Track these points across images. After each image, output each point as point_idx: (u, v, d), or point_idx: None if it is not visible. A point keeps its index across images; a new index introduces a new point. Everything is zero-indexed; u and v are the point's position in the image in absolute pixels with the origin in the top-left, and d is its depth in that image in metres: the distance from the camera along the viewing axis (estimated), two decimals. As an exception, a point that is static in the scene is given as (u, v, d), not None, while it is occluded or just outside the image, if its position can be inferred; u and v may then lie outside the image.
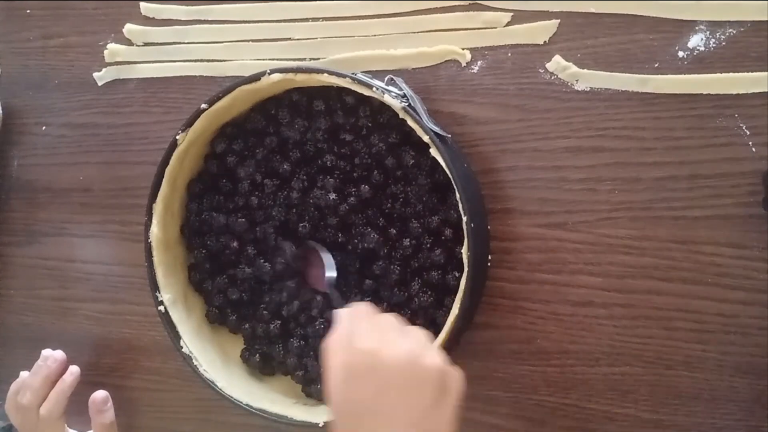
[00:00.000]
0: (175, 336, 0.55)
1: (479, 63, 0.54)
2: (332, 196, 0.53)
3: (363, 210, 0.54)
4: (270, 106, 0.57)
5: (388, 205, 0.54)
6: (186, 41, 0.62)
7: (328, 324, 0.56)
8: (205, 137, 0.56)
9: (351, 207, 0.54)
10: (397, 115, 0.50)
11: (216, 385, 0.54)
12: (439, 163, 0.48)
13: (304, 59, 0.59)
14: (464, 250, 0.48)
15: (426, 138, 0.48)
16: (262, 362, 0.58)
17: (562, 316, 0.53)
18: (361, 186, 0.53)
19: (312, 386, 0.56)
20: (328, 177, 0.54)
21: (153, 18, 0.63)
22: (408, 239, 0.53)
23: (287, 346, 0.57)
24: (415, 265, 0.53)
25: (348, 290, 0.55)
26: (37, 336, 0.68)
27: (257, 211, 0.57)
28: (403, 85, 0.51)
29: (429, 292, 0.53)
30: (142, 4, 0.63)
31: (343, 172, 0.54)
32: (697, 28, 0.49)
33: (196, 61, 0.62)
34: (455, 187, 0.48)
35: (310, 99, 0.56)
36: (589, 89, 0.52)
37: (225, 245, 0.58)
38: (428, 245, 0.53)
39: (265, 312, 0.58)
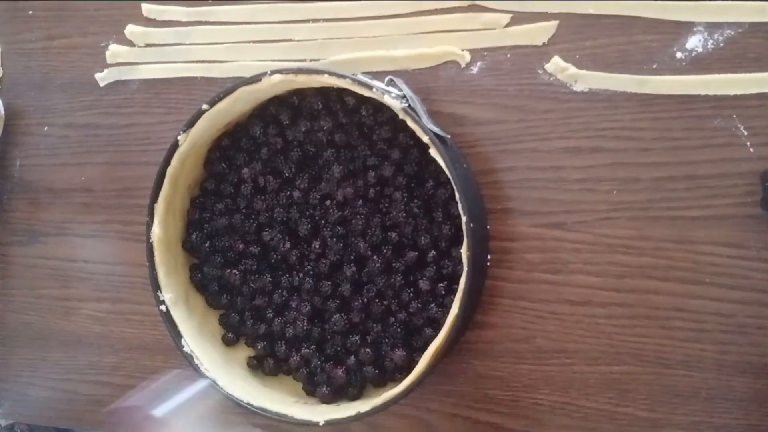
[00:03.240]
0: (177, 335, 0.56)
1: (479, 64, 0.54)
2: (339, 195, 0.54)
3: (363, 208, 0.54)
4: (271, 107, 0.57)
5: (386, 204, 0.54)
6: (187, 42, 0.62)
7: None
8: (206, 138, 0.57)
9: (353, 201, 0.54)
10: (397, 115, 0.50)
11: (217, 384, 0.54)
12: (438, 164, 0.49)
13: (305, 60, 0.59)
14: (464, 250, 0.48)
15: (426, 138, 0.49)
16: (275, 368, 0.58)
17: (561, 316, 0.53)
18: (364, 179, 0.54)
19: (313, 385, 0.57)
20: (333, 168, 0.54)
21: (154, 19, 0.63)
22: (396, 231, 0.53)
23: (289, 345, 0.57)
24: (414, 269, 0.54)
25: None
26: (38, 335, 0.69)
27: (260, 212, 0.57)
28: (403, 86, 0.51)
29: (427, 295, 0.53)
30: (143, 5, 0.63)
31: (345, 171, 0.55)
32: (695, 29, 0.49)
33: (197, 62, 0.62)
34: (455, 187, 0.48)
35: (310, 100, 0.56)
36: (587, 90, 0.52)
37: (229, 246, 0.58)
38: (426, 245, 0.53)
39: (269, 314, 0.58)
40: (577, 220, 0.52)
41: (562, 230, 0.53)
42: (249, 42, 0.60)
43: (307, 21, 0.59)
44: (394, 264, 0.54)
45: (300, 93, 0.56)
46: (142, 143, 0.64)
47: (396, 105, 0.49)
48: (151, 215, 0.56)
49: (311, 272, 0.56)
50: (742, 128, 0.49)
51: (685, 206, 0.50)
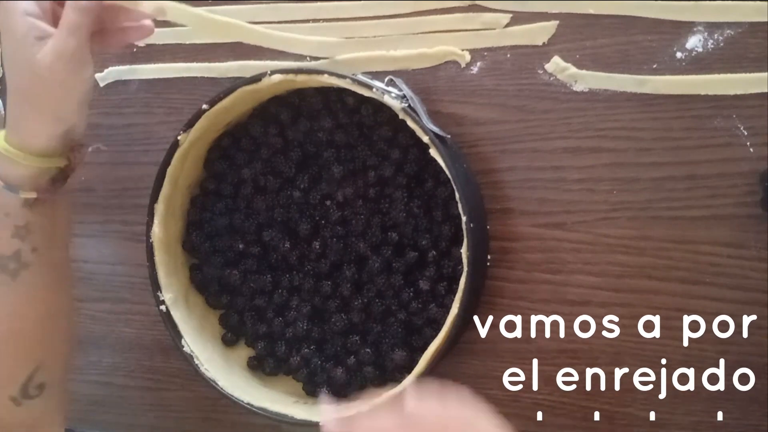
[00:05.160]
0: (177, 335, 0.56)
1: (479, 64, 0.54)
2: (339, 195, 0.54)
3: (363, 208, 0.54)
4: (271, 107, 0.57)
5: (386, 204, 0.54)
6: (187, 42, 0.62)
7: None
8: (206, 138, 0.57)
9: (352, 202, 0.54)
10: (397, 115, 0.50)
11: (217, 384, 0.54)
12: (438, 164, 0.49)
13: (305, 60, 0.59)
14: (464, 250, 0.48)
15: (426, 138, 0.49)
16: (275, 368, 0.58)
17: (561, 316, 0.53)
18: (364, 180, 0.54)
19: (313, 385, 0.57)
20: (333, 168, 0.55)
21: (154, 19, 0.63)
22: (396, 232, 0.53)
23: (289, 345, 0.57)
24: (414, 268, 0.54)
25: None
26: (39, 335, 0.69)
27: (261, 212, 0.57)
28: (403, 86, 0.51)
29: (427, 295, 0.53)
30: (144, 4, 0.63)
31: (345, 171, 0.55)
32: (695, 29, 0.49)
33: (197, 62, 0.62)
34: (455, 187, 0.48)
35: (310, 100, 0.56)
36: (587, 90, 0.52)
37: (229, 246, 0.58)
38: (427, 246, 0.53)
39: (269, 314, 0.58)
40: (577, 220, 0.52)
41: (562, 230, 0.53)
42: (249, 42, 0.60)
43: (307, 21, 0.59)
44: (394, 264, 0.54)
45: (300, 93, 0.56)
46: (143, 143, 0.64)
47: (396, 105, 0.49)
48: (151, 215, 0.56)
49: (311, 272, 0.56)
50: (742, 128, 0.49)
51: (685, 206, 0.50)
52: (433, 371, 0.50)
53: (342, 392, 0.56)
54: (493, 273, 0.54)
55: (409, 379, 0.50)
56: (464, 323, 0.51)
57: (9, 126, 0.46)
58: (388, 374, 0.55)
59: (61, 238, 0.50)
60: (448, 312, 0.49)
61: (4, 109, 0.68)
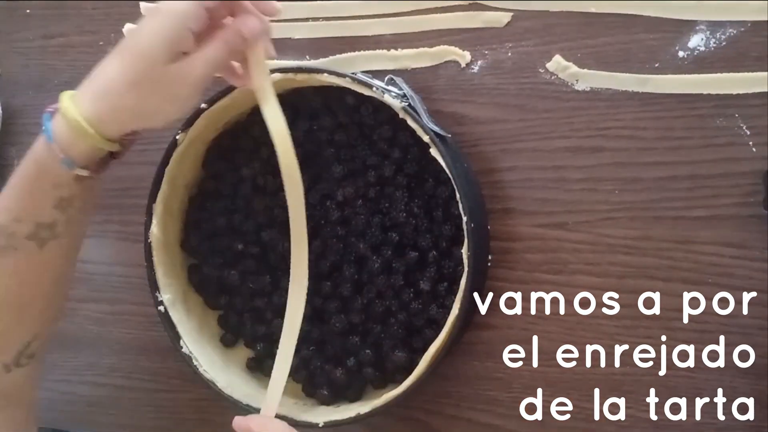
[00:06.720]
0: (175, 336, 0.55)
1: (479, 63, 0.54)
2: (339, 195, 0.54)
3: (363, 208, 0.54)
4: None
5: (386, 204, 0.54)
6: (186, 41, 0.62)
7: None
8: (205, 137, 0.56)
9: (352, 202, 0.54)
10: (397, 115, 0.50)
11: (216, 385, 0.54)
12: (438, 163, 0.48)
13: (304, 59, 0.59)
14: (464, 250, 0.48)
15: (426, 138, 0.48)
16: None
17: (561, 316, 0.53)
18: (364, 181, 0.54)
19: (313, 387, 0.56)
20: (333, 168, 0.54)
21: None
22: (397, 233, 0.53)
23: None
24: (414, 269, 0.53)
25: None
26: (36, 336, 0.68)
27: (260, 212, 0.57)
28: (403, 85, 0.51)
29: (427, 295, 0.53)
30: (141, 4, 0.63)
31: (345, 171, 0.55)
32: (697, 28, 0.49)
33: (196, 61, 0.62)
34: (455, 186, 0.48)
35: (310, 99, 0.56)
36: (589, 89, 0.52)
37: (228, 247, 0.58)
38: (428, 247, 0.53)
39: (268, 315, 0.58)
40: (579, 220, 0.52)
41: (564, 230, 0.53)
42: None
43: (307, 19, 0.58)
44: (394, 264, 0.54)
45: (300, 92, 0.56)
46: (141, 143, 0.63)
47: (396, 104, 0.49)
48: (150, 215, 0.56)
49: (311, 273, 0.56)
50: (744, 127, 0.49)
51: (687, 206, 0.50)
52: (434, 372, 0.50)
53: (342, 393, 0.55)
54: (493, 273, 0.54)
55: (410, 380, 0.50)
56: (464, 324, 0.51)
57: (96, 107, 0.45)
58: (389, 375, 0.55)
59: (90, 214, 0.51)
60: (448, 313, 0.49)
61: (1, 109, 0.68)
